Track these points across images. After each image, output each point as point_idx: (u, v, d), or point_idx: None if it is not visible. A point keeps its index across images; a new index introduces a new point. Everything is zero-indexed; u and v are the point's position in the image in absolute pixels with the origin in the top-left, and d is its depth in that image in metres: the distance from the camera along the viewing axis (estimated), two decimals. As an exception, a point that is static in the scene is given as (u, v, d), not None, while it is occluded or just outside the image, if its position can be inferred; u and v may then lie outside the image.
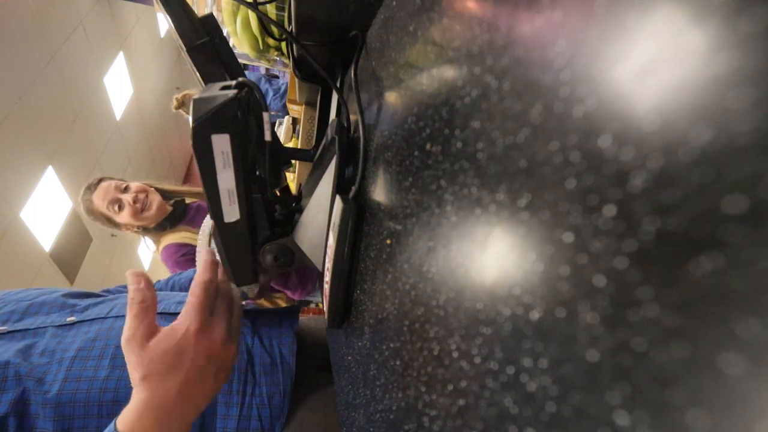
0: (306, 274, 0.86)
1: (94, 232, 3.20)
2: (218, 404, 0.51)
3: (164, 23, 3.37)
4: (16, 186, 2.39)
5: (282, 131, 1.93)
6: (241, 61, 0.92)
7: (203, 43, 0.44)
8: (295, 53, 0.67)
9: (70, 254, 3.00)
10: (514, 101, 0.15)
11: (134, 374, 0.36)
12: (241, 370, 0.54)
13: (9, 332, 0.52)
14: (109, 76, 3.26)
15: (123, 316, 0.54)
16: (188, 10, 0.44)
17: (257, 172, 0.39)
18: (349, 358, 0.37)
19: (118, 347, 0.48)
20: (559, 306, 0.12)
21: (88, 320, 0.54)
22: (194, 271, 0.86)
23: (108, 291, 0.77)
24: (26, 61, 2.35)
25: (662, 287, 0.09)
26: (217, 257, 0.43)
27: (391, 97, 0.31)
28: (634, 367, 0.10)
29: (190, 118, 0.31)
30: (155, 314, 0.38)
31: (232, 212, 0.36)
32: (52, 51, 2.55)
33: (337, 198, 0.37)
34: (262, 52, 0.97)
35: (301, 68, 0.70)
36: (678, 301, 0.09)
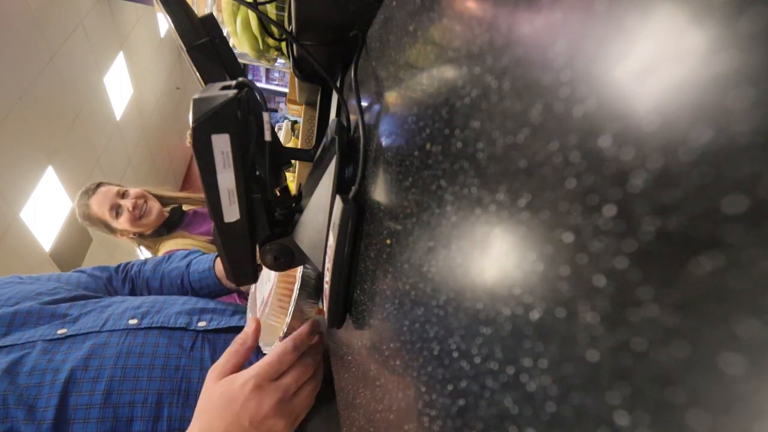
0: None
1: (94, 232, 3.20)
2: None
3: (164, 23, 3.37)
4: (16, 186, 2.39)
5: (281, 135, 1.93)
6: (241, 61, 0.92)
7: (203, 43, 0.44)
8: (295, 53, 0.67)
9: (70, 254, 3.00)
10: (514, 101, 0.15)
11: (201, 401, 0.39)
12: None
13: None
14: (109, 76, 3.26)
15: (118, 331, 0.51)
16: (188, 10, 0.44)
17: (257, 172, 0.39)
18: (349, 358, 0.37)
19: (115, 368, 0.47)
20: (559, 306, 0.12)
21: (81, 334, 0.50)
22: (183, 260, 0.81)
23: (104, 269, 0.73)
24: (26, 61, 2.35)
25: (662, 287, 0.09)
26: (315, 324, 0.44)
27: (391, 97, 0.31)
28: (634, 367, 0.10)
29: (190, 118, 0.31)
30: (249, 357, 0.40)
31: (232, 212, 0.36)
32: (52, 51, 2.55)
33: (337, 198, 0.37)
34: (262, 52, 0.97)
35: (301, 68, 0.70)
36: (678, 301, 0.09)
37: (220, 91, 0.32)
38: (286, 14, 0.81)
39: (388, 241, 0.28)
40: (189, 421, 0.47)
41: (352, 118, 0.44)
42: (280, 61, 1.37)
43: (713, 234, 0.08)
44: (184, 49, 0.44)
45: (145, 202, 1.09)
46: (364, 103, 0.40)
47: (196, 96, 0.31)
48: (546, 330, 0.12)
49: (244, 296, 1.06)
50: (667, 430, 0.09)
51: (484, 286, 0.16)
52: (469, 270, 0.17)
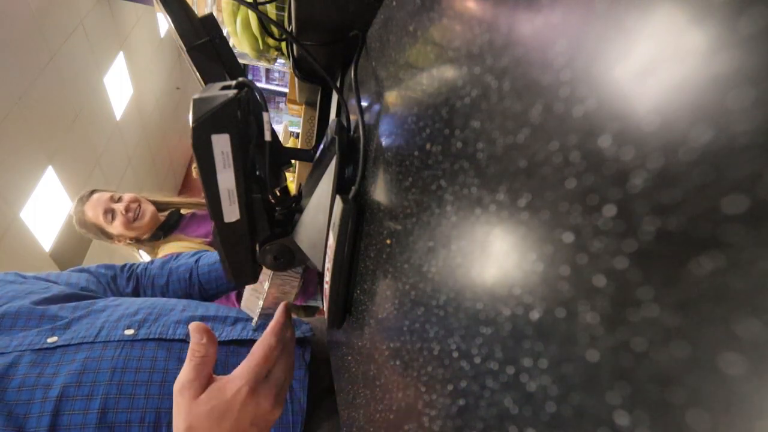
0: (307, 278, 0.86)
1: (94, 232, 3.19)
2: None
3: (164, 23, 3.37)
4: (16, 186, 2.39)
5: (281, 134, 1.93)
6: (241, 61, 0.92)
7: (203, 43, 0.44)
8: (295, 53, 0.67)
9: (70, 254, 3.00)
10: (514, 101, 0.15)
11: (179, 422, 0.36)
12: None
13: None
14: (109, 76, 3.26)
15: (114, 342, 0.49)
16: (188, 10, 0.44)
17: (257, 172, 0.39)
18: (349, 358, 0.37)
19: (110, 384, 0.45)
20: (559, 306, 0.12)
21: (73, 345, 0.47)
22: (192, 257, 0.80)
23: (109, 267, 0.72)
24: (26, 61, 2.35)
25: (662, 287, 0.09)
26: (284, 310, 0.42)
27: (391, 97, 0.31)
28: (634, 367, 0.10)
29: (190, 118, 0.31)
30: (212, 367, 0.38)
31: (232, 212, 0.36)
32: (52, 51, 2.55)
33: (337, 198, 0.37)
34: (262, 52, 0.97)
35: (301, 68, 0.70)
36: (678, 301, 0.09)
37: (220, 91, 0.32)
38: (286, 14, 0.81)
39: (388, 241, 0.28)
40: None
41: (352, 118, 0.44)
42: (280, 61, 1.37)
43: (713, 234, 0.08)
44: (184, 49, 0.44)
45: (139, 205, 1.09)
46: (364, 103, 0.41)
47: (196, 96, 0.31)
48: (546, 330, 0.12)
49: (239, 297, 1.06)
50: (667, 430, 0.09)
51: (484, 286, 0.16)
52: (469, 270, 0.17)
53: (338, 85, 0.61)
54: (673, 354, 0.09)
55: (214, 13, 0.56)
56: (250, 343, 0.56)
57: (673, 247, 0.09)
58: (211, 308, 0.61)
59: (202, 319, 0.57)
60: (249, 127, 0.36)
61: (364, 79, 0.42)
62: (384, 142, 0.32)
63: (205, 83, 0.45)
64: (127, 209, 1.07)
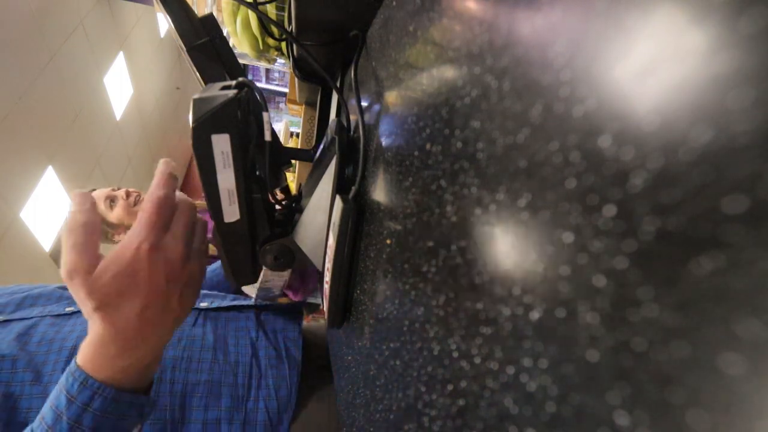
0: (306, 274, 0.86)
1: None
2: (223, 397, 0.50)
3: (164, 23, 3.37)
4: (16, 186, 2.39)
5: (280, 136, 1.93)
6: (241, 61, 0.92)
7: (203, 43, 0.44)
8: (295, 53, 0.67)
9: (70, 254, 2.99)
10: (514, 101, 0.15)
11: (85, 307, 0.32)
12: (245, 362, 0.53)
13: (4, 321, 0.51)
14: (109, 76, 3.26)
15: None
16: (188, 10, 0.44)
17: (257, 172, 0.39)
18: (349, 358, 0.37)
19: None
20: (559, 306, 0.12)
21: None
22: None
23: None
24: (26, 61, 2.35)
25: (662, 287, 0.09)
26: (173, 169, 0.36)
27: (391, 97, 0.31)
28: (634, 367, 0.10)
29: (190, 118, 0.31)
30: (99, 242, 0.33)
31: (232, 212, 0.36)
32: (52, 51, 2.55)
33: (337, 198, 0.37)
34: (262, 52, 0.97)
35: (301, 68, 0.70)
36: (678, 301, 0.09)
37: (220, 91, 0.32)
38: (286, 14, 0.81)
39: (388, 241, 0.27)
40: (193, 384, 0.49)
41: (352, 118, 0.44)
42: (280, 61, 1.37)
43: (713, 234, 0.08)
44: (184, 49, 0.44)
45: (139, 194, 1.11)
46: (364, 103, 0.40)
47: (196, 96, 0.31)
48: (546, 330, 0.12)
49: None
50: (667, 430, 0.09)
51: (484, 286, 0.16)
52: (468, 270, 0.17)
53: (338, 85, 0.61)
54: (673, 354, 0.09)
55: (214, 13, 0.56)
56: (249, 308, 0.62)
57: (673, 247, 0.09)
58: (213, 290, 0.66)
59: (203, 295, 0.63)
60: (249, 127, 0.36)
61: (364, 79, 0.42)
62: (384, 142, 0.32)
63: (205, 83, 0.45)
64: (127, 194, 1.09)
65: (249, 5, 0.52)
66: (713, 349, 0.08)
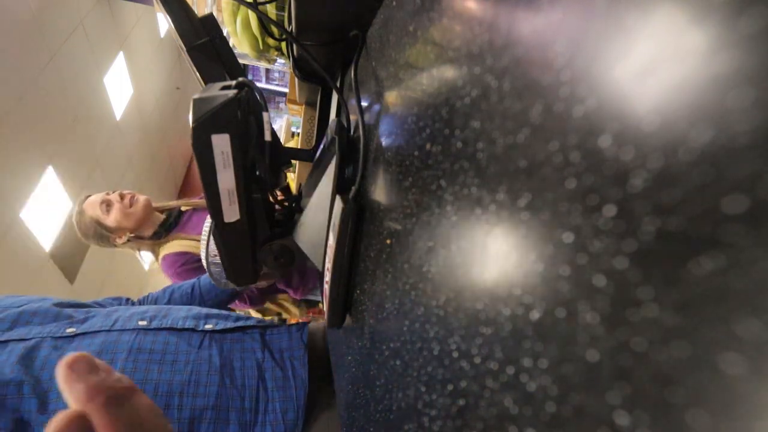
0: (306, 272, 0.87)
1: (94, 232, 3.19)
2: (231, 423, 0.49)
3: (164, 23, 3.37)
4: (16, 186, 2.39)
5: (281, 134, 1.93)
6: (241, 61, 0.92)
7: (203, 43, 0.44)
8: (295, 53, 0.67)
9: (70, 254, 2.99)
10: (514, 101, 0.15)
11: None
12: (252, 386, 0.52)
13: (3, 342, 0.49)
14: (109, 76, 3.26)
15: (129, 330, 0.54)
16: (188, 10, 0.44)
17: (257, 172, 0.39)
18: (349, 358, 0.37)
19: (126, 361, 0.49)
20: (559, 306, 0.12)
21: (91, 332, 0.52)
22: (193, 280, 0.86)
23: (98, 303, 0.76)
24: (26, 61, 2.35)
25: (662, 287, 0.09)
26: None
27: (391, 97, 0.31)
28: (634, 367, 0.10)
29: (190, 118, 0.31)
30: None
31: (232, 212, 0.36)
32: (52, 51, 2.55)
33: (337, 198, 0.37)
34: (262, 52, 0.97)
35: (301, 68, 0.70)
36: (678, 301, 0.09)
37: (220, 91, 0.32)
38: (286, 14, 0.81)
39: (388, 241, 0.27)
40: (200, 409, 0.48)
41: (352, 118, 0.44)
42: (280, 61, 1.37)
43: (713, 234, 0.08)
44: (184, 49, 0.44)
45: (133, 195, 1.10)
46: (364, 103, 0.40)
47: (196, 96, 0.31)
48: (546, 330, 0.12)
49: (244, 301, 1.07)
50: (667, 430, 0.09)
51: (484, 286, 0.16)
52: (469, 270, 0.17)
53: (338, 85, 0.61)
54: (673, 354, 0.09)
55: (214, 13, 0.56)
56: (253, 328, 0.61)
57: (673, 247, 0.09)
58: (214, 310, 0.65)
59: (208, 316, 0.62)
60: (249, 127, 0.36)
61: (364, 79, 0.42)
62: (384, 142, 0.32)
63: (205, 83, 0.45)
64: (121, 196, 1.09)
65: (249, 5, 0.52)
66: (713, 349, 0.08)
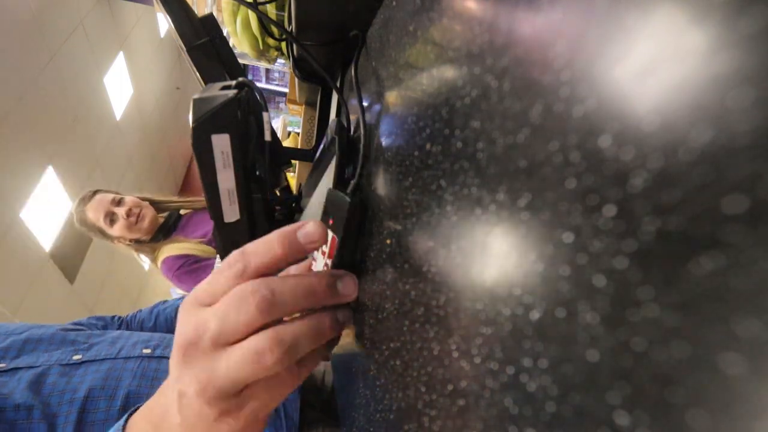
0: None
1: (94, 232, 3.19)
2: None
3: (164, 23, 3.37)
4: (16, 186, 2.39)
5: (278, 133, 1.93)
6: (241, 61, 0.92)
7: (203, 43, 0.44)
8: (295, 53, 0.67)
9: (70, 254, 2.99)
10: (514, 101, 0.15)
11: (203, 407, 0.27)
12: None
13: (10, 369, 0.50)
14: (109, 76, 3.26)
15: (133, 358, 0.54)
16: (188, 10, 0.44)
17: (257, 172, 0.39)
18: (349, 358, 0.37)
19: (131, 387, 0.50)
20: (559, 306, 0.12)
21: (97, 360, 0.53)
22: (178, 300, 0.86)
23: (100, 318, 0.77)
24: (26, 61, 2.35)
25: (662, 287, 0.09)
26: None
27: (391, 97, 0.31)
28: (634, 367, 0.10)
29: (190, 118, 0.31)
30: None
31: (232, 212, 0.36)
32: (52, 51, 2.55)
33: (338, 193, 0.37)
34: (262, 52, 0.97)
35: (301, 68, 0.70)
36: (678, 301, 0.09)
37: (220, 91, 0.32)
38: (286, 14, 0.81)
39: (388, 241, 0.27)
40: None
41: (352, 118, 0.44)
42: (280, 61, 1.37)
43: (713, 234, 0.08)
44: (184, 49, 0.44)
45: (140, 210, 1.09)
46: (364, 103, 0.40)
47: (196, 96, 0.31)
48: (546, 330, 0.12)
49: None
50: (667, 430, 0.09)
51: (484, 286, 0.16)
52: (469, 270, 0.17)
53: (338, 85, 0.61)
54: (673, 354, 0.09)
55: (214, 13, 0.56)
56: None
57: (673, 247, 0.09)
58: None
59: None
60: (249, 127, 0.36)
61: (364, 79, 0.42)
62: (384, 142, 0.32)
63: (205, 83, 0.45)
64: (128, 214, 1.07)
65: (249, 5, 0.52)
66: (713, 349, 0.08)
